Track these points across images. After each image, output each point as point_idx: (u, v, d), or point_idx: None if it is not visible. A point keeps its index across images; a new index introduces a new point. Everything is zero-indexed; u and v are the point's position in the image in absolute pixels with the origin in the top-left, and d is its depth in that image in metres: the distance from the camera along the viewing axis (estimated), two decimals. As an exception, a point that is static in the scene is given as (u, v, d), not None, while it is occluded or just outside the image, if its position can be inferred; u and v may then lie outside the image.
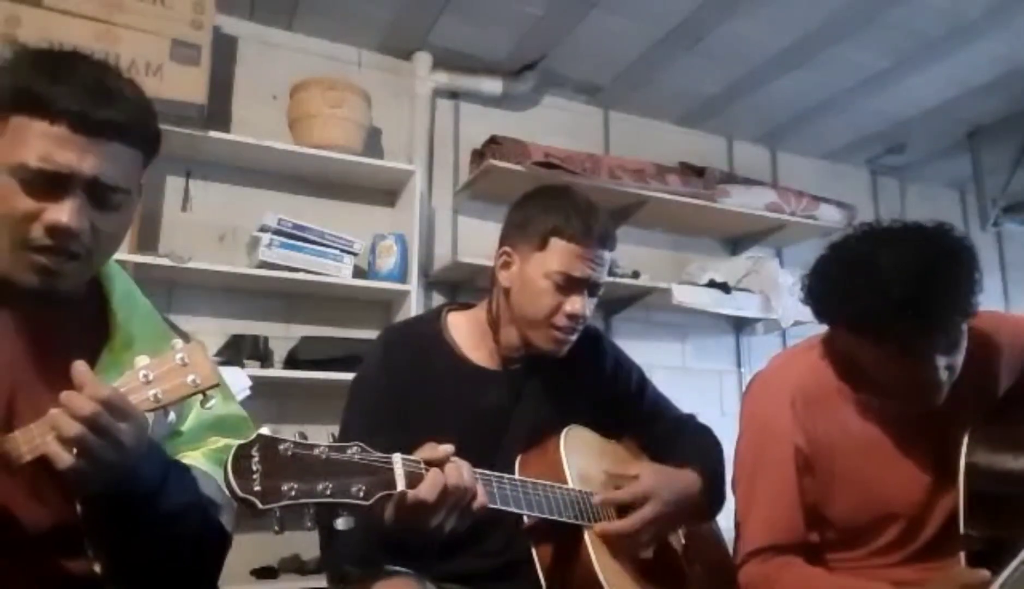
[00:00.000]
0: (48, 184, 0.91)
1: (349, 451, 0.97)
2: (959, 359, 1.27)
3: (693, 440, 1.50)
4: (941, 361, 1.24)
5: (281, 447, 0.91)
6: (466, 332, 1.45)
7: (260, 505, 0.87)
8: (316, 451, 0.94)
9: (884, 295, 1.19)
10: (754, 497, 1.38)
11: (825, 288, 1.31)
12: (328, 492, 0.93)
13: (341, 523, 0.95)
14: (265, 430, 0.92)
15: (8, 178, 0.91)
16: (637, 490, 1.29)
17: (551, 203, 1.39)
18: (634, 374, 1.56)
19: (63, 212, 0.91)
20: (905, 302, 1.17)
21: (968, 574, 1.21)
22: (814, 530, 1.37)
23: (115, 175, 0.95)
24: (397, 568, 1.20)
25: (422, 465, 1.04)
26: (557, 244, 1.34)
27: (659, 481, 1.32)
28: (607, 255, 1.38)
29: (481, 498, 1.09)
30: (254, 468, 0.88)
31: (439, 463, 1.05)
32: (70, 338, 1.00)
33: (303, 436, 0.95)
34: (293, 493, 0.90)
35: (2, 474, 0.84)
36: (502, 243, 1.43)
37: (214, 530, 1.03)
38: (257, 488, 0.88)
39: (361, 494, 0.96)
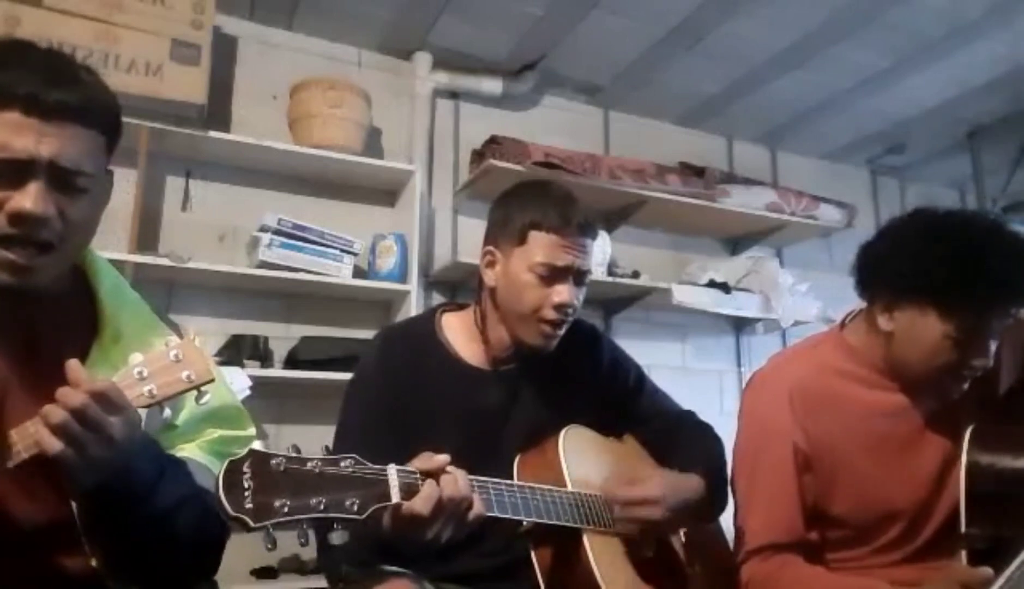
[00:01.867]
0: (8, 173, 0.89)
1: (343, 463, 0.96)
2: (994, 352, 1.30)
3: (694, 439, 1.50)
4: (992, 347, 1.28)
5: (273, 462, 0.90)
6: (460, 333, 1.45)
7: (252, 523, 0.86)
8: (309, 465, 0.93)
9: (985, 269, 1.23)
10: (754, 496, 1.39)
11: (903, 257, 1.33)
12: (321, 507, 0.91)
13: (335, 537, 0.94)
14: (257, 445, 0.91)
15: None
16: (641, 495, 1.29)
17: (528, 198, 1.39)
18: (632, 372, 1.55)
19: (26, 198, 0.89)
20: (1004, 280, 1.22)
21: (969, 573, 1.22)
22: (815, 528, 1.37)
23: (76, 157, 0.93)
24: (395, 569, 1.20)
25: (417, 476, 1.03)
26: (537, 236, 1.34)
27: (664, 486, 1.31)
28: (589, 243, 1.38)
29: (477, 508, 1.08)
30: (245, 485, 0.87)
31: (435, 473, 1.04)
32: (59, 334, 0.99)
33: (296, 449, 0.94)
34: (286, 509, 0.88)
35: None
36: (485, 243, 1.43)
37: (212, 521, 1.01)
38: (249, 506, 0.86)
39: (355, 508, 0.94)
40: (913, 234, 1.35)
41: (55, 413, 0.81)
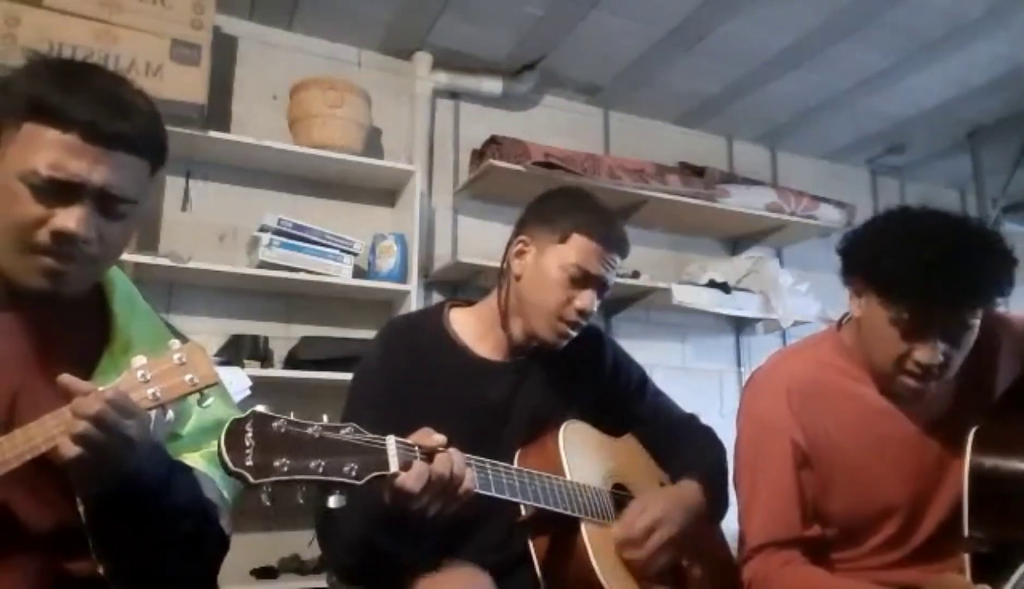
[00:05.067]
0: (58, 191, 0.92)
1: (343, 431, 0.98)
2: (957, 358, 1.28)
3: (694, 443, 1.51)
4: (940, 346, 1.25)
5: (275, 424, 0.92)
6: (470, 326, 1.45)
7: (252, 479, 0.88)
8: (310, 430, 0.95)
9: (915, 254, 1.22)
10: (755, 493, 1.38)
11: (866, 243, 1.34)
12: (320, 470, 0.93)
13: (333, 501, 0.95)
14: (261, 407, 0.92)
15: (18, 184, 0.92)
16: (647, 522, 1.28)
17: (578, 203, 1.44)
18: (634, 373, 1.56)
19: (71, 219, 0.92)
20: (932, 265, 1.21)
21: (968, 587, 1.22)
22: (817, 525, 1.37)
23: (124, 186, 0.96)
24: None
25: (416, 449, 1.05)
26: (579, 240, 1.37)
27: (665, 507, 1.31)
28: (619, 261, 1.42)
29: (468, 483, 1.09)
30: (247, 443, 0.89)
31: (432, 450, 1.06)
32: (72, 341, 1.01)
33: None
34: (285, 469, 0.90)
35: (5, 475, 0.84)
36: (520, 232, 1.45)
37: (214, 531, 1.03)
38: (249, 463, 0.88)
39: (353, 473, 0.96)
40: (877, 225, 1.36)
41: (76, 424, 0.84)
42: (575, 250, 1.37)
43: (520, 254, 1.43)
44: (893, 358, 1.29)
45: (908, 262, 1.23)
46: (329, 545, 1.30)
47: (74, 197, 0.93)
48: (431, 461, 1.05)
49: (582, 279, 1.37)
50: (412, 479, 1.02)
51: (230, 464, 0.87)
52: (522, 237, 1.43)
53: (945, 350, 1.26)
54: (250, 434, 0.89)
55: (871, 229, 1.37)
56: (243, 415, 0.91)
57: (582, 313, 1.37)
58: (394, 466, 1.01)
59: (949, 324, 1.26)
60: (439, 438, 1.08)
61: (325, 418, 0.99)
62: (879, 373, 1.36)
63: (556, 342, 1.39)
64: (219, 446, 0.88)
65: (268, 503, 0.89)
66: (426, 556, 1.22)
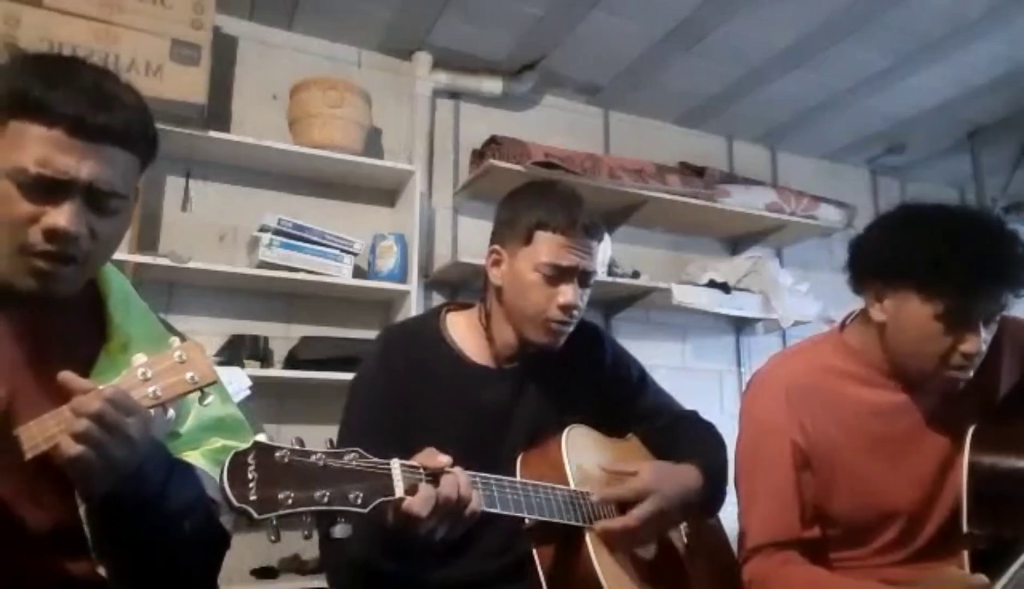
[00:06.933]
0: (46, 189, 0.91)
1: (347, 457, 0.96)
2: (989, 340, 1.29)
3: (695, 436, 1.50)
4: (983, 333, 1.26)
5: (277, 454, 0.90)
6: (465, 331, 1.45)
7: (256, 515, 0.86)
8: (313, 458, 0.93)
9: (960, 249, 1.23)
10: (754, 494, 1.39)
11: (889, 243, 1.34)
12: (325, 500, 0.92)
13: (338, 531, 0.94)
14: (262, 437, 0.91)
15: (6, 182, 0.91)
16: (637, 486, 1.29)
17: (534, 198, 1.40)
18: (634, 369, 1.56)
19: (61, 216, 0.91)
20: (980, 259, 1.22)
21: (966, 578, 1.21)
22: (817, 526, 1.37)
23: (112, 180, 0.95)
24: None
25: (420, 472, 1.03)
26: (543, 236, 1.35)
27: (659, 477, 1.31)
28: (595, 244, 1.39)
29: (474, 506, 1.08)
30: (250, 477, 0.87)
31: (437, 472, 1.04)
32: (68, 341, 1.00)
33: (300, 442, 0.94)
34: (290, 502, 0.89)
35: (2, 476, 0.84)
36: (492, 242, 1.44)
37: (215, 529, 1.03)
38: (253, 497, 0.87)
39: (359, 501, 0.94)
40: (896, 223, 1.36)
41: (77, 423, 0.83)
42: (542, 248, 1.35)
43: (496, 264, 1.41)
44: (938, 355, 1.28)
45: (951, 252, 1.23)
46: (332, 565, 1.30)
47: (63, 194, 0.92)
48: (437, 483, 1.03)
49: (557, 275, 1.35)
50: (418, 504, 1.00)
51: (233, 500, 0.85)
52: (494, 247, 1.42)
53: (985, 337, 1.27)
54: (253, 467, 0.88)
55: (888, 229, 1.36)
56: (245, 446, 0.89)
57: (567, 308, 1.35)
58: (399, 491, 0.99)
59: (990, 309, 1.27)
60: (444, 459, 1.06)
61: (327, 442, 0.97)
62: (918, 373, 1.34)
63: (552, 342, 1.39)
64: (221, 481, 0.86)
65: (274, 539, 0.88)
66: (430, 568, 1.22)
